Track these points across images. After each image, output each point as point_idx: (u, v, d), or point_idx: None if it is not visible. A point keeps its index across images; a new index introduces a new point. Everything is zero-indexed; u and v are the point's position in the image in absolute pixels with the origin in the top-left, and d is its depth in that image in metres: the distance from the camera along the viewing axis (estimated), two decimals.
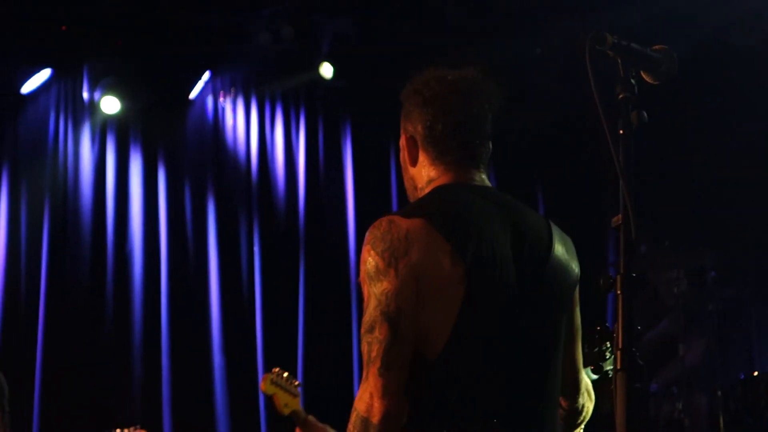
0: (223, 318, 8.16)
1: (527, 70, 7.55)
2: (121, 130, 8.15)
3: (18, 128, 8.09)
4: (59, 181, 8.10)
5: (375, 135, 8.15)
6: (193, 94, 8.13)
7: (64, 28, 7.58)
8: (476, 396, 2.66)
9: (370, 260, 2.65)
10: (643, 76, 2.59)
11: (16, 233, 7.99)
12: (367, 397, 2.61)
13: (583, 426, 3.04)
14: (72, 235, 8.01)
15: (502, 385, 2.70)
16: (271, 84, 8.32)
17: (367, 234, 2.67)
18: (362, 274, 2.66)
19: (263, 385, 4.50)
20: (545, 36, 7.33)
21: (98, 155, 8.17)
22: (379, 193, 8.26)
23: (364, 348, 2.60)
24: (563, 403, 2.90)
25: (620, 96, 2.53)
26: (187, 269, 8.10)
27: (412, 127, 2.84)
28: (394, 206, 8.14)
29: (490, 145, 2.86)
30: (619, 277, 2.38)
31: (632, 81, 2.55)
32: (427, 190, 2.81)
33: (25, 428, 7.17)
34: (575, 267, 2.83)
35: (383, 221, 2.66)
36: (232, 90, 8.28)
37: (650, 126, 2.42)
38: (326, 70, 7.59)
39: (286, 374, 4.53)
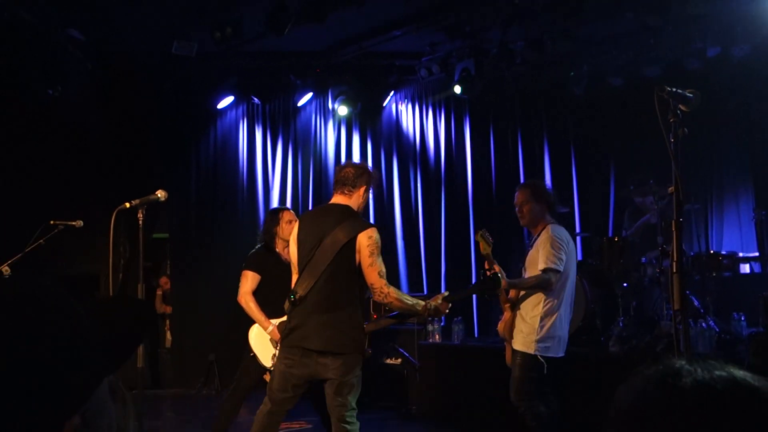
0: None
1: None
2: (348, 123, 9.47)
3: (297, 124, 9.55)
4: (317, 153, 9.51)
5: (481, 125, 8.91)
6: (384, 103, 9.29)
7: (318, 70, 8.89)
8: (299, 285, 3.86)
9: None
10: (682, 107, 2.94)
11: (296, 178, 9.49)
12: None
13: (383, 300, 3.85)
14: (324, 178, 9.33)
15: (310, 281, 3.81)
16: (426, 97, 9.20)
17: None
18: None
19: (476, 236, 4.37)
20: None
21: (336, 138, 9.53)
22: (483, 158, 8.84)
23: None
24: (371, 292, 3.87)
25: (671, 120, 2.91)
26: (382, 198, 9.02)
27: None
28: (493, 164, 8.74)
29: (354, 185, 3.92)
30: (673, 222, 2.85)
31: (677, 111, 2.91)
32: None
33: None
34: (344, 238, 3.78)
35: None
36: (405, 101, 9.34)
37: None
38: (456, 89, 8.19)
39: (487, 233, 4.32)
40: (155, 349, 9.24)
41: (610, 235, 7.71)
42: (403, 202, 9.13)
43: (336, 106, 9.01)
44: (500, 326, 4.68)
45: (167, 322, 9.47)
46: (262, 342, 5.47)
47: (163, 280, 9.56)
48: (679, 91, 2.90)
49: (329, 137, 9.54)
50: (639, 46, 7.64)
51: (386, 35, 7.88)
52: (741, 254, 6.58)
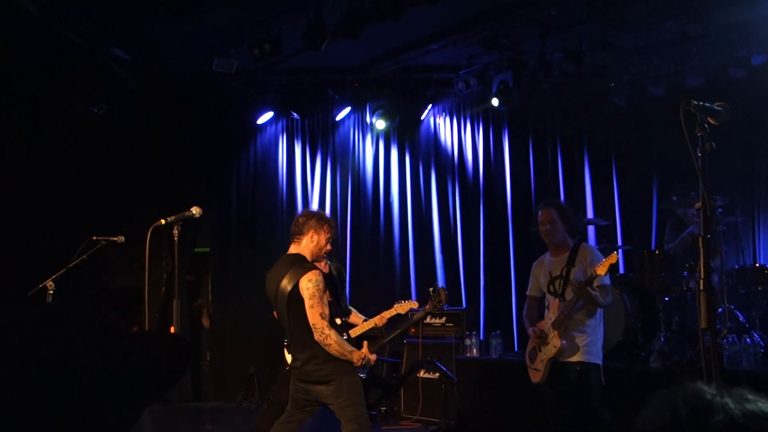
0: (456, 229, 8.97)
1: None
2: (386, 136, 9.45)
3: (336, 138, 9.62)
4: (355, 167, 9.55)
5: (520, 138, 8.79)
6: (422, 117, 9.26)
7: (356, 85, 8.96)
8: (284, 330, 4.36)
9: None
10: (710, 120, 2.83)
11: (335, 192, 9.57)
12: None
13: (323, 340, 4.15)
14: (362, 192, 9.46)
15: (284, 327, 4.30)
16: (464, 110, 9.09)
17: None
18: None
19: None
20: None
21: (375, 152, 9.53)
22: (522, 171, 8.68)
23: None
24: (313, 331, 4.17)
25: (698, 133, 2.81)
26: (420, 212, 9.20)
27: None
28: (533, 177, 8.60)
29: (301, 232, 4.29)
30: (700, 237, 2.75)
31: (705, 125, 2.80)
32: None
33: None
34: (288, 286, 4.15)
35: None
36: (443, 114, 9.26)
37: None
38: (494, 101, 8.09)
39: None
40: (197, 362, 9.36)
41: (653, 247, 7.49)
42: (442, 216, 9.08)
43: (374, 120, 9.01)
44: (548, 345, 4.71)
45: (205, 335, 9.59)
46: None
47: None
48: (707, 104, 2.81)
49: (367, 151, 9.55)
50: (680, 55, 7.48)
51: (423, 49, 7.86)
52: None
